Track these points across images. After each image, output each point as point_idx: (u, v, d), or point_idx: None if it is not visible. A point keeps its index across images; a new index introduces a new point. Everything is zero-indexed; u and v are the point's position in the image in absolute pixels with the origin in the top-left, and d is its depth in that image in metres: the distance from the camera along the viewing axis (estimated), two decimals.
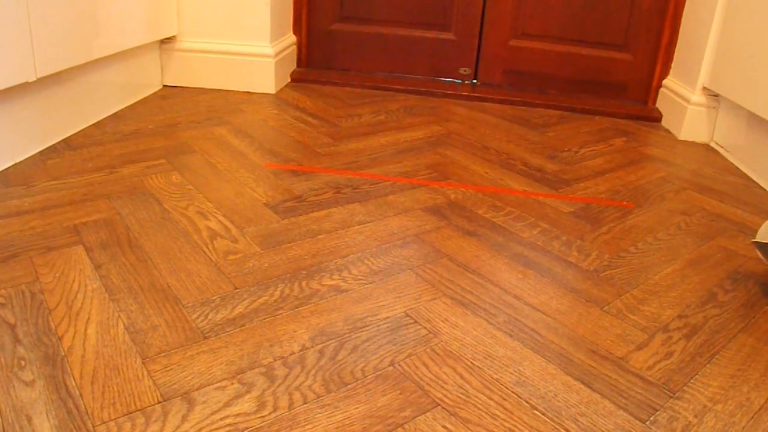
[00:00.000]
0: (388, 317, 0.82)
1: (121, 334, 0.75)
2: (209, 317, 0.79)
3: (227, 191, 1.15)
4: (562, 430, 0.65)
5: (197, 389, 0.67)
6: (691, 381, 0.74)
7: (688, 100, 1.65)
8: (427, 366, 0.73)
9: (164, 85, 1.80)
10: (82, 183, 1.14)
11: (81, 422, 0.62)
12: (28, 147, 1.25)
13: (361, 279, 0.90)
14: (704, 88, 1.62)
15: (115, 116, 1.52)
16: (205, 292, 0.84)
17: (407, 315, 0.82)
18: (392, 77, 2.00)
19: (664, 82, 1.82)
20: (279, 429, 0.63)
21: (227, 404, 0.66)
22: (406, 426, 0.64)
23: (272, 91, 1.80)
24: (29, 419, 0.62)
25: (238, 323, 0.78)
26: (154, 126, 1.46)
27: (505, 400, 0.69)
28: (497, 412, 0.67)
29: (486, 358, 0.75)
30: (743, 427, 0.68)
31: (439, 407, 0.67)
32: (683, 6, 1.76)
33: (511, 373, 0.73)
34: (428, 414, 0.66)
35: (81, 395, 0.65)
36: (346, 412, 0.66)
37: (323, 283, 0.88)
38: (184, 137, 1.40)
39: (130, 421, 0.63)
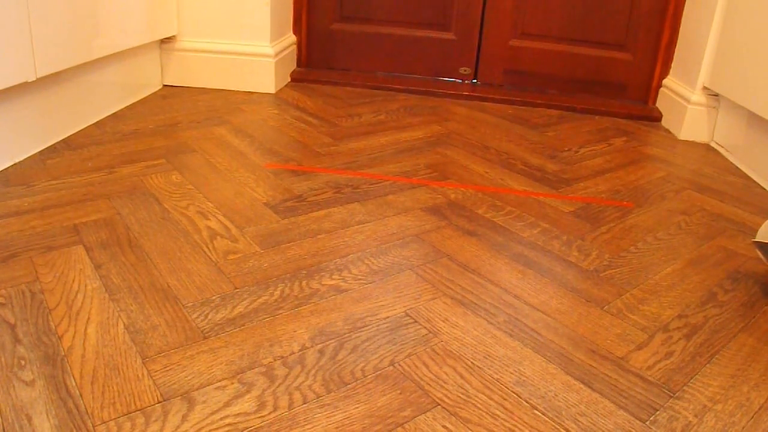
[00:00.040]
0: (388, 317, 0.82)
1: (121, 333, 0.75)
2: (209, 317, 0.79)
3: (227, 191, 1.15)
4: (562, 429, 0.65)
5: (197, 389, 0.67)
6: (691, 381, 0.74)
7: (688, 100, 1.65)
8: (427, 366, 0.73)
9: (164, 85, 1.80)
10: (82, 183, 1.14)
11: (81, 422, 0.62)
12: (28, 147, 1.25)
13: (361, 279, 0.90)
14: (704, 88, 1.62)
15: (115, 116, 1.52)
16: (205, 291, 0.84)
17: (407, 315, 0.82)
18: (392, 77, 2.00)
19: (664, 81, 1.82)
20: (279, 429, 0.63)
21: (227, 404, 0.66)
22: (406, 426, 0.64)
23: (272, 90, 1.80)
24: (29, 419, 0.62)
25: (238, 323, 0.78)
26: (154, 126, 1.46)
27: (505, 399, 0.69)
28: (497, 412, 0.67)
29: (486, 358, 0.75)
30: (743, 427, 0.68)
31: (439, 407, 0.67)
32: (683, 6, 1.76)
33: (511, 373, 0.73)
34: (428, 414, 0.66)
35: (81, 395, 0.65)
36: (346, 411, 0.66)
37: (323, 282, 0.88)
38: (184, 137, 1.40)
39: (130, 421, 0.63)
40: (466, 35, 1.95)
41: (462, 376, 0.72)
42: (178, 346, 0.74)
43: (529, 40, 1.93)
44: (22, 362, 0.69)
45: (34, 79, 1.18)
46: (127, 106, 1.59)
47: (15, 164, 1.20)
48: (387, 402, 0.67)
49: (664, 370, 0.76)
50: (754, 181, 1.40)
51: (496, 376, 0.72)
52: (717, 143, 1.62)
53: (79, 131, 1.40)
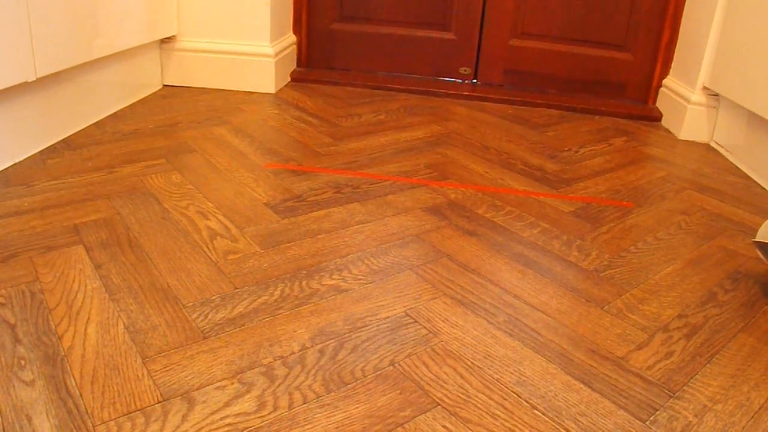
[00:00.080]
0: (388, 317, 0.82)
1: (121, 333, 0.75)
2: (209, 317, 0.79)
3: (227, 191, 1.15)
4: (562, 429, 0.65)
5: (197, 389, 0.67)
6: (691, 381, 0.74)
7: (688, 100, 1.65)
8: (427, 366, 0.73)
9: (164, 85, 1.80)
10: (82, 183, 1.14)
11: (81, 422, 0.62)
12: (28, 147, 1.25)
13: (361, 279, 0.90)
14: (704, 88, 1.62)
15: (115, 116, 1.52)
16: (205, 291, 0.84)
17: (407, 315, 0.82)
18: (392, 77, 2.00)
19: (664, 81, 1.82)
20: (279, 429, 0.63)
21: (227, 404, 0.66)
22: (406, 426, 0.64)
23: (272, 90, 1.80)
24: (29, 419, 0.62)
25: (238, 323, 0.78)
26: (154, 126, 1.46)
27: (505, 399, 0.69)
28: (497, 412, 0.67)
29: (486, 358, 0.75)
30: (743, 427, 0.68)
31: (439, 407, 0.67)
32: (683, 6, 1.76)
33: (511, 373, 0.73)
34: (428, 414, 0.66)
35: (81, 395, 0.65)
36: (346, 411, 0.66)
37: (323, 282, 0.88)
38: (184, 137, 1.40)
39: (130, 421, 0.63)
40: (466, 35, 1.95)
41: (462, 376, 0.72)
42: (178, 346, 0.74)
43: (529, 40, 1.93)
44: (22, 362, 0.69)
45: (34, 79, 1.18)
46: (127, 106, 1.59)
47: (15, 164, 1.20)
48: (387, 402, 0.67)
49: (664, 370, 0.76)
50: (754, 181, 1.40)
51: (496, 376, 0.72)
52: (717, 143, 1.62)
53: (79, 131, 1.40)
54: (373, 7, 1.96)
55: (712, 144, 1.63)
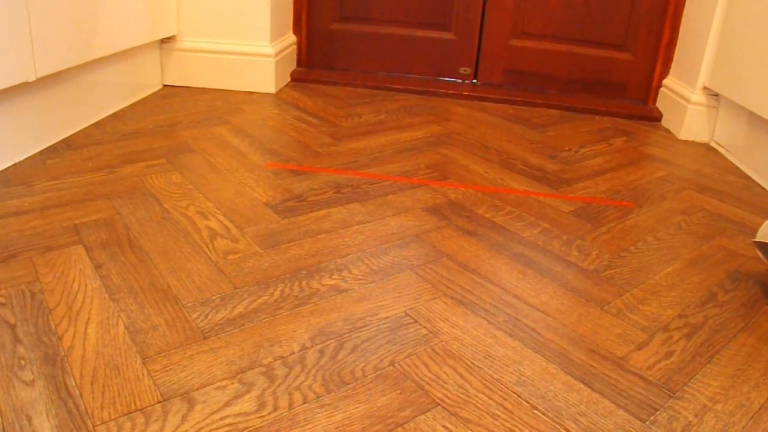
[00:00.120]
0: (388, 317, 0.82)
1: (121, 333, 0.75)
2: (209, 317, 0.79)
3: (227, 191, 1.15)
4: (562, 429, 0.65)
5: (197, 389, 0.67)
6: (691, 381, 0.74)
7: (688, 100, 1.65)
8: (427, 366, 0.73)
9: (164, 85, 1.80)
10: (82, 183, 1.14)
11: (81, 422, 0.62)
12: (28, 147, 1.25)
13: (361, 279, 0.90)
14: (704, 88, 1.62)
15: (115, 116, 1.52)
16: (205, 291, 0.84)
17: (407, 315, 0.82)
18: (392, 77, 2.00)
19: (664, 81, 1.82)
20: (279, 429, 0.63)
21: (227, 404, 0.66)
22: (406, 426, 0.64)
23: (272, 90, 1.80)
24: (29, 419, 0.62)
25: (238, 323, 0.78)
26: (154, 126, 1.46)
27: (505, 399, 0.69)
28: (497, 412, 0.67)
29: (486, 358, 0.75)
30: (743, 427, 0.68)
31: (440, 407, 0.67)
32: (683, 6, 1.76)
33: (512, 373, 0.73)
34: (428, 414, 0.66)
35: (81, 395, 0.65)
36: (346, 411, 0.66)
37: (323, 282, 0.88)
38: (184, 137, 1.40)
39: (130, 421, 0.63)
40: (466, 35, 1.95)
41: (462, 376, 0.72)
42: (178, 346, 0.74)
43: (529, 40, 1.93)
44: (22, 362, 0.69)
45: (34, 79, 1.18)
46: (127, 106, 1.59)
47: (15, 164, 1.20)
48: (387, 402, 0.67)
49: (664, 370, 0.76)
50: (754, 181, 1.40)
51: (496, 376, 0.72)
52: (717, 143, 1.62)
53: (79, 131, 1.40)
54: (373, 7, 1.96)
55: (712, 144, 1.63)
